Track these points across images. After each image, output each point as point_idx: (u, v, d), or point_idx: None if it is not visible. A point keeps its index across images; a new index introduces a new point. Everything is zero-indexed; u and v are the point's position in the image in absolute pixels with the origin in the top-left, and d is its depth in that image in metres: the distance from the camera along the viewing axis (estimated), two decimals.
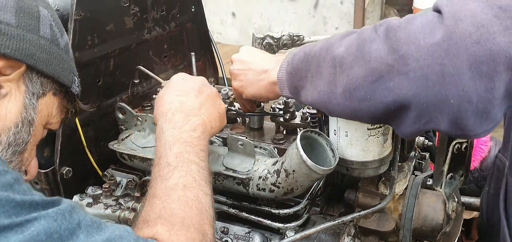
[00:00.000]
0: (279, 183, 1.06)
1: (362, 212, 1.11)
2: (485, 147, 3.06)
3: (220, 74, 1.99)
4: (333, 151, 1.03)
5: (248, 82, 1.12)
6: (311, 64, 0.90)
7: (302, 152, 0.97)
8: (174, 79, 1.14)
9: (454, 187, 1.22)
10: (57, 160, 1.33)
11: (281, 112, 1.29)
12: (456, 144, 1.17)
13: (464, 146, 1.19)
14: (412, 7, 4.95)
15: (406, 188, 1.22)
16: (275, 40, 1.49)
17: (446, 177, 1.19)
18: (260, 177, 1.09)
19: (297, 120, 1.28)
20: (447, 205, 1.18)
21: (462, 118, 0.71)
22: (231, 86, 1.24)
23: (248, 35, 5.53)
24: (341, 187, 1.28)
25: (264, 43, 1.51)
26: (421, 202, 1.21)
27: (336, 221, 1.08)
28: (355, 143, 1.02)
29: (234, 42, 5.57)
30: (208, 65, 1.91)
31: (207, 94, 1.08)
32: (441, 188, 1.20)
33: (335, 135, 1.05)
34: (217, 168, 1.14)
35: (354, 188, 1.24)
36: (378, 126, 1.00)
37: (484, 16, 0.68)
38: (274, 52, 1.57)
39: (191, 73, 1.79)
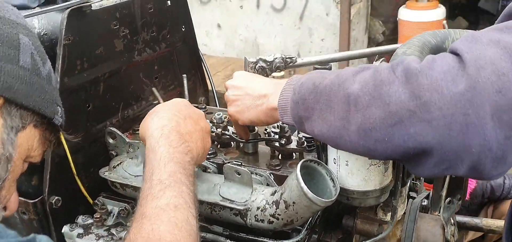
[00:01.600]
0: (279, 214, 1.03)
1: None
2: (474, 180, 3.09)
3: (210, 88, 1.97)
4: (333, 181, 1.01)
5: (245, 107, 1.10)
6: (320, 97, 0.88)
7: (303, 184, 0.95)
8: (175, 100, 1.12)
9: (452, 211, 1.21)
10: (46, 189, 1.29)
11: (277, 137, 1.27)
12: None
13: None
14: (397, 19, 5.00)
15: (404, 213, 1.20)
16: (268, 63, 1.47)
17: (444, 202, 1.18)
18: (258, 208, 1.07)
19: (293, 145, 1.26)
20: (445, 230, 1.17)
21: (481, 165, 0.71)
22: (225, 108, 1.22)
23: (233, 47, 5.52)
24: (339, 213, 1.26)
25: (257, 67, 1.49)
26: (420, 227, 1.20)
27: None
28: (356, 172, 1.00)
29: (220, 54, 5.55)
30: (198, 84, 1.88)
31: (201, 127, 1.07)
32: (439, 212, 1.19)
33: (335, 163, 1.03)
34: (214, 198, 1.11)
35: (352, 214, 1.22)
36: None
37: (504, 64, 0.68)
38: (267, 76, 1.56)
39: (182, 94, 1.77)
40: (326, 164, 1.06)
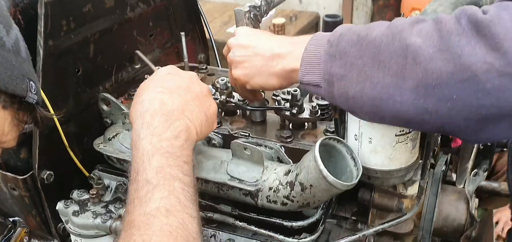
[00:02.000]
0: (293, 196, 0.94)
1: (386, 225, 1.00)
2: None
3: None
4: (354, 160, 0.91)
5: (255, 70, 0.96)
6: (366, 50, 0.76)
7: (322, 167, 0.85)
8: (158, 72, 0.98)
9: (477, 184, 1.13)
10: (36, 165, 1.18)
11: (288, 105, 1.16)
12: None
13: None
14: None
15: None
16: (257, 9, 1.33)
17: (470, 174, 1.09)
18: (270, 188, 0.97)
19: (306, 114, 1.15)
20: (470, 204, 1.09)
21: None
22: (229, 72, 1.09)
23: None
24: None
25: (251, 16, 1.34)
26: (442, 201, 1.12)
27: (357, 236, 0.97)
28: (380, 150, 0.90)
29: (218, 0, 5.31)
30: (197, 41, 1.74)
31: (195, 93, 0.93)
32: (464, 186, 1.10)
33: (356, 140, 0.92)
34: (221, 177, 1.01)
35: (369, 187, 1.13)
36: (407, 131, 0.88)
37: None
38: (259, 24, 1.41)
39: (180, 52, 1.63)
40: (344, 139, 0.95)
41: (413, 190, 1.09)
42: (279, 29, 4.05)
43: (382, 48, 0.74)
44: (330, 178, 0.85)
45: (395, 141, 0.89)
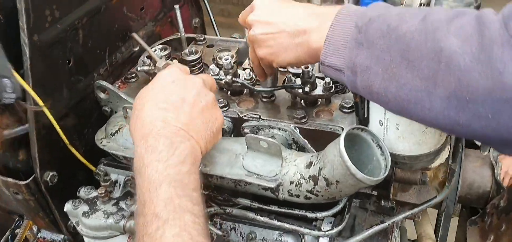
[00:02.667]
0: (318, 191, 0.89)
1: (415, 210, 0.96)
2: None
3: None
4: (381, 148, 0.86)
5: (281, 48, 0.88)
6: (395, 45, 0.68)
7: (350, 164, 0.79)
8: (161, 79, 0.88)
9: None
10: (37, 168, 1.11)
11: (298, 81, 1.08)
12: None
13: None
14: None
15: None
16: None
17: None
18: (292, 182, 0.92)
19: (319, 90, 1.08)
20: (495, 171, 1.05)
21: None
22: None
23: None
24: None
25: None
26: (465, 168, 1.08)
27: (387, 224, 0.93)
28: (408, 136, 0.84)
29: None
30: (190, 5, 1.62)
31: (201, 107, 0.86)
32: (488, 151, 1.05)
33: (381, 125, 0.86)
34: (237, 173, 0.95)
35: None
36: None
37: None
38: None
39: (174, 23, 1.53)
40: (368, 125, 0.89)
41: (437, 162, 1.04)
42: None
43: (412, 46, 0.66)
44: (359, 174, 0.79)
45: (425, 126, 0.82)
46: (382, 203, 1.05)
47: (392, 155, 0.87)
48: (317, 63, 0.85)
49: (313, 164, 0.90)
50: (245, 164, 0.95)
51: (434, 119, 0.66)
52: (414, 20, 0.67)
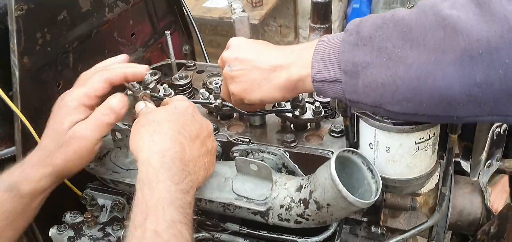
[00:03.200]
0: (309, 215, 0.88)
1: (405, 235, 0.96)
2: None
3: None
4: (372, 172, 0.85)
5: (254, 84, 0.89)
6: (394, 31, 0.69)
7: (341, 187, 0.79)
8: (180, 108, 0.89)
9: (490, 173, 1.08)
10: None
11: (288, 106, 1.08)
12: (496, 128, 1.02)
13: (503, 128, 1.03)
14: None
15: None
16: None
17: (484, 167, 1.05)
18: (282, 206, 0.91)
19: (309, 114, 1.08)
20: (485, 197, 1.05)
21: None
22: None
23: None
24: None
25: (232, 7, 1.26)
26: (456, 194, 1.08)
27: None
28: (399, 159, 0.84)
29: None
30: (181, 32, 1.63)
31: (207, 150, 0.89)
32: (478, 178, 1.05)
33: (371, 149, 0.86)
34: (227, 197, 0.94)
35: None
36: (427, 138, 0.82)
37: None
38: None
39: (164, 49, 1.53)
40: (358, 149, 0.89)
41: (427, 187, 1.04)
42: (257, 1, 3.92)
43: (413, 25, 0.67)
44: (351, 197, 0.79)
45: (415, 149, 0.83)
46: (373, 229, 1.04)
47: (382, 178, 0.87)
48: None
49: (303, 187, 0.89)
50: (234, 187, 0.94)
51: (449, 87, 0.65)
52: (407, 10, 0.69)
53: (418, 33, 0.67)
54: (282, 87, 0.86)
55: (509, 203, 1.05)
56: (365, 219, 1.10)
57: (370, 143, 0.86)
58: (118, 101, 0.93)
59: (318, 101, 1.09)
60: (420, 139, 0.82)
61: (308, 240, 0.94)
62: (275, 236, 0.96)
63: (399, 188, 0.88)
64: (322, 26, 1.24)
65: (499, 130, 1.03)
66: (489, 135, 1.03)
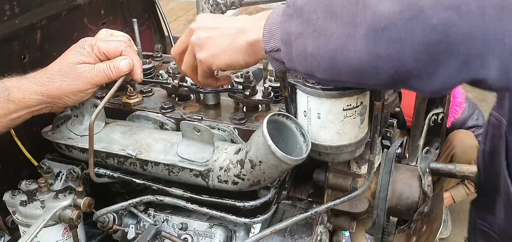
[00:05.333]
0: (244, 174, 0.93)
1: (337, 201, 1.00)
2: (460, 109, 3.09)
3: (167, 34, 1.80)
4: (304, 136, 0.91)
5: (220, 49, 0.93)
6: (320, 3, 0.75)
7: (270, 142, 0.84)
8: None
9: (429, 161, 1.14)
10: None
11: (241, 87, 1.14)
12: (432, 115, 1.08)
13: (440, 116, 1.10)
14: None
15: (378, 165, 1.12)
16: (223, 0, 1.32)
17: (422, 152, 1.10)
18: (221, 168, 0.95)
19: (259, 96, 1.14)
20: (423, 181, 1.10)
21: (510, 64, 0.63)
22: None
23: None
24: (309, 167, 1.17)
25: (211, 2, 1.33)
26: (395, 179, 1.13)
27: (310, 213, 0.96)
28: (328, 125, 0.90)
29: None
30: (153, 30, 1.71)
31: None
32: (416, 163, 1.11)
33: (305, 116, 0.92)
34: (171, 159, 0.99)
35: (324, 168, 1.13)
36: (354, 105, 0.88)
37: None
38: (223, 13, 1.39)
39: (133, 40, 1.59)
40: (296, 117, 0.94)
41: (365, 168, 1.09)
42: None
43: (334, 0, 0.73)
44: (279, 153, 0.84)
45: (343, 115, 0.88)
46: (314, 206, 1.08)
47: (316, 145, 0.92)
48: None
49: (241, 150, 0.94)
50: (179, 151, 0.99)
51: (359, 61, 0.70)
52: None
53: (336, 7, 0.73)
54: (244, 50, 0.91)
55: (441, 185, 1.09)
56: (309, 200, 1.15)
57: (304, 111, 0.91)
58: (125, 64, 1.05)
59: (270, 85, 1.15)
60: (347, 105, 0.87)
61: (246, 204, 0.98)
62: (215, 199, 1.00)
63: (331, 155, 0.93)
64: None
65: (435, 117, 1.10)
66: (426, 121, 1.09)
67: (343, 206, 1.13)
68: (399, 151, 1.22)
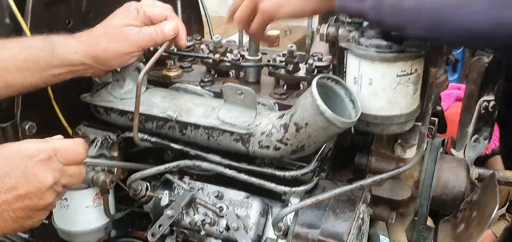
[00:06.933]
0: (287, 139, 0.89)
1: (385, 175, 0.95)
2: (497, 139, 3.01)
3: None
4: (353, 102, 0.87)
5: None
6: None
7: (319, 101, 0.80)
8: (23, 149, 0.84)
9: (477, 152, 1.09)
10: (18, 114, 1.12)
11: (283, 63, 1.12)
12: (483, 101, 1.03)
13: (491, 104, 1.05)
14: None
15: (422, 158, 1.07)
16: None
17: (470, 139, 1.05)
18: (263, 133, 0.92)
19: (301, 73, 1.11)
20: (470, 171, 1.05)
21: None
22: None
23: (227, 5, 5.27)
24: (349, 151, 1.12)
25: None
26: (441, 168, 1.07)
27: (355, 185, 0.92)
28: (380, 92, 0.86)
29: (213, 13, 5.30)
30: (193, 19, 1.70)
31: (28, 205, 0.80)
32: (463, 152, 1.06)
33: (355, 84, 0.88)
34: (211, 122, 0.96)
35: (366, 152, 1.08)
36: (409, 72, 0.84)
37: None
38: None
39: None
40: None
41: (411, 153, 1.04)
42: (274, 41, 4.05)
43: None
44: (328, 112, 0.80)
45: (396, 82, 0.85)
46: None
47: (365, 114, 0.88)
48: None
49: (285, 114, 0.91)
50: (220, 115, 0.96)
51: (474, 23, 0.66)
52: None
53: None
54: None
55: (493, 171, 1.04)
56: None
57: (354, 77, 0.88)
58: (171, 28, 1.02)
59: (314, 63, 1.12)
60: (401, 71, 0.84)
61: (286, 173, 0.94)
62: (255, 168, 0.97)
63: (380, 126, 0.89)
64: None
65: (486, 104, 1.05)
66: (477, 107, 1.04)
67: (384, 192, 1.08)
68: (441, 150, 1.16)
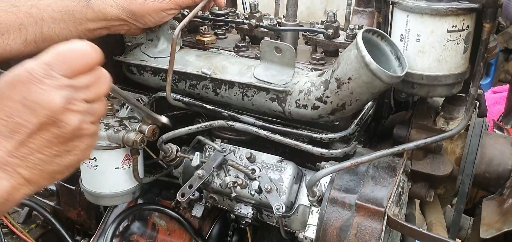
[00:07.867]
0: (327, 96, 0.85)
1: (428, 139, 0.90)
2: None
3: None
4: (399, 59, 0.82)
5: None
6: None
7: (365, 52, 0.76)
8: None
9: None
10: None
11: (322, 28, 1.08)
12: None
13: None
14: None
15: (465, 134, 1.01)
16: None
17: None
18: (301, 91, 0.88)
19: (341, 39, 1.06)
20: None
21: None
22: None
23: None
24: (388, 123, 1.07)
25: None
26: (485, 144, 1.01)
27: (396, 149, 0.87)
28: (428, 50, 0.81)
29: None
30: None
31: (49, 139, 0.64)
32: (511, 126, 0.99)
33: (401, 41, 0.84)
34: (247, 80, 0.93)
35: (406, 124, 1.03)
36: (460, 28, 0.79)
37: None
38: None
39: None
40: None
41: (454, 125, 0.99)
42: None
43: None
44: (373, 64, 0.76)
45: (446, 39, 0.80)
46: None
47: (410, 74, 0.84)
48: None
49: (326, 72, 0.86)
50: (256, 73, 0.93)
51: None
52: None
53: None
54: None
55: None
56: None
57: (401, 34, 0.83)
58: None
59: (354, 29, 1.07)
60: (452, 26, 0.79)
61: (324, 135, 0.90)
62: (291, 130, 0.93)
63: (426, 87, 0.84)
64: (366, 10, 1.25)
65: None
66: None
67: (424, 167, 1.03)
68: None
